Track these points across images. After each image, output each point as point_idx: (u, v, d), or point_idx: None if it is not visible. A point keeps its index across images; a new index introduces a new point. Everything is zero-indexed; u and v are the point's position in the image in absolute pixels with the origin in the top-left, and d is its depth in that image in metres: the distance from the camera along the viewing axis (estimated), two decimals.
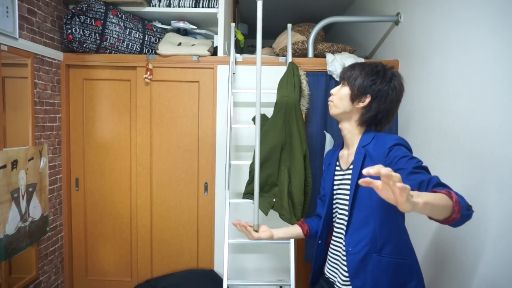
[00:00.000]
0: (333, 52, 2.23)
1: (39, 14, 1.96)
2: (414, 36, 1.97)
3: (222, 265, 2.00)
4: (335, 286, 1.22)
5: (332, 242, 1.28)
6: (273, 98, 2.05)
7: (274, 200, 1.94)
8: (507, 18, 1.28)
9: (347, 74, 1.22)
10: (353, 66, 1.23)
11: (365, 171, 0.73)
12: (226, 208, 2.01)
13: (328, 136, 2.15)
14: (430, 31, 1.79)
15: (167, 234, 2.29)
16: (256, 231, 1.36)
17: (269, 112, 2.06)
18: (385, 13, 2.39)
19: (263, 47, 2.77)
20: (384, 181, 0.74)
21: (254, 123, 2.07)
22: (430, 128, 1.77)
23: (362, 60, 2.12)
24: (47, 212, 2.06)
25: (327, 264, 1.30)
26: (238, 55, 2.20)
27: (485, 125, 1.37)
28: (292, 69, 2.01)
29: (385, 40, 2.38)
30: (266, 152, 1.91)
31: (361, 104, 1.19)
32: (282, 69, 2.11)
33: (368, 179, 0.75)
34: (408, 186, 0.73)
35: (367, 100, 1.18)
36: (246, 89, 2.16)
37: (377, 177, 0.85)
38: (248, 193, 1.98)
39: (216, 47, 2.29)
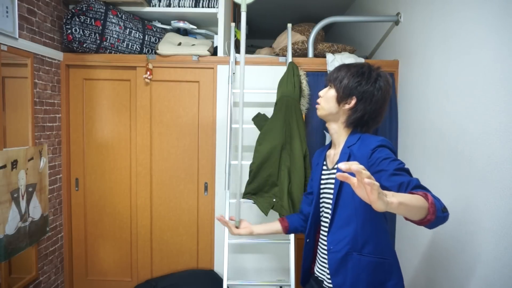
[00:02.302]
0: (333, 52, 2.23)
1: (39, 14, 1.96)
2: (414, 36, 1.97)
3: (222, 265, 2.00)
4: (323, 284, 1.24)
5: (319, 240, 1.29)
6: (273, 98, 2.05)
7: (274, 200, 1.94)
8: (507, 18, 1.27)
9: (333, 76, 1.23)
10: (339, 68, 1.24)
11: (339, 165, 0.75)
12: (226, 208, 2.01)
13: (328, 136, 2.15)
14: (430, 31, 1.79)
15: (167, 234, 2.29)
16: (237, 227, 1.40)
17: (269, 112, 2.06)
18: (385, 13, 2.39)
19: (262, 47, 2.77)
20: (358, 178, 0.75)
21: (254, 123, 2.07)
22: (430, 128, 1.77)
23: (362, 60, 2.12)
24: (47, 212, 2.06)
25: (316, 263, 1.31)
26: (238, 55, 2.20)
27: (485, 125, 1.37)
28: (292, 69, 2.01)
29: (385, 40, 2.38)
30: (266, 152, 1.91)
31: (347, 106, 1.20)
32: (282, 69, 2.11)
33: (344, 173, 0.76)
34: (377, 183, 0.74)
35: (353, 101, 1.19)
36: (246, 89, 2.16)
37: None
38: (248, 193, 1.98)
39: (216, 47, 2.29)
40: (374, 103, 1.18)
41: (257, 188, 1.96)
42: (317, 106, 1.28)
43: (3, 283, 1.70)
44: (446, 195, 1.61)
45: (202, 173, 2.25)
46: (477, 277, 1.39)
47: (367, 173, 0.74)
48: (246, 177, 2.02)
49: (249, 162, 2.02)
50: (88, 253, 2.32)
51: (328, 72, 2.12)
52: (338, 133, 1.25)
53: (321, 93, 1.28)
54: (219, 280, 2.16)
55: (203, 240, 2.29)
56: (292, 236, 1.97)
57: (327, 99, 1.24)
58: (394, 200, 0.80)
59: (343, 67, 1.23)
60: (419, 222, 0.90)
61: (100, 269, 2.33)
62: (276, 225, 1.43)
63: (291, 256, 1.94)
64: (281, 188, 1.92)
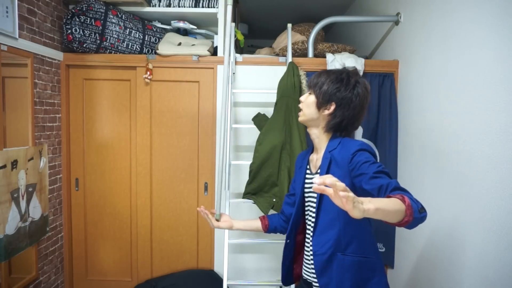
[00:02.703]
0: (333, 52, 2.23)
1: (39, 14, 1.96)
2: (414, 36, 1.97)
3: (222, 265, 2.00)
4: (313, 286, 1.26)
5: (306, 243, 1.32)
6: (273, 98, 2.05)
7: (274, 200, 1.94)
8: (507, 18, 1.27)
9: (314, 82, 1.26)
10: (319, 74, 1.27)
11: (314, 180, 0.78)
12: (226, 208, 2.01)
13: None
14: (430, 31, 1.79)
15: (167, 234, 2.29)
16: (218, 220, 1.42)
17: (269, 112, 2.06)
18: (385, 13, 2.38)
19: (262, 47, 2.77)
20: (334, 190, 0.78)
21: (254, 123, 2.07)
22: (430, 128, 1.77)
23: (362, 60, 2.13)
24: (47, 212, 2.06)
25: (304, 265, 1.33)
26: (238, 55, 2.20)
27: (485, 125, 1.37)
28: (292, 69, 2.01)
29: (385, 40, 2.38)
30: (266, 152, 1.91)
31: (326, 112, 1.23)
32: (282, 69, 2.11)
33: (321, 186, 0.78)
34: (351, 195, 0.78)
35: (332, 107, 1.21)
36: (246, 89, 2.16)
37: None
38: (248, 193, 1.98)
39: (216, 47, 2.29)
40: (352, 109, 1.21)
41: (257, 188, 1.96)
42: (299, 112, 1.31)
43: (3, 283, 1.70)
44: (446, 195, 1.61)
45: (202, 173, 2.25)
46: (478, 277, 1.39)
47: (342, 184, 0.77)
48: (245, 177, 2.02)
49: (249, 162, 2.02)
50: (88, 253, 2.32)
51: None
52: (319, 138, 1.28)
53: (301, 98, 1.31)
54: (219, 280, 2.16)
55: (203, 240, 2.29)
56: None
57: (308, 104, 1.27)
58: (371, 206, 0.83)
59: (323, 73, 1.27)
60: (397, 224, 0.93)
61: (100, 269, 2.33)
62: (256, 223, 1.46)
63: None
64: (281, 188, 1.92)
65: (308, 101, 1.27)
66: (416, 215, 0.92)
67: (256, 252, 2.26)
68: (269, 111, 2.07)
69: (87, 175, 2.27)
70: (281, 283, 2.02)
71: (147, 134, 2.24)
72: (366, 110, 1.26)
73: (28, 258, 1.94)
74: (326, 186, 0.78)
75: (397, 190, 0.99)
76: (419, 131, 1.88)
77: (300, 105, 1.31)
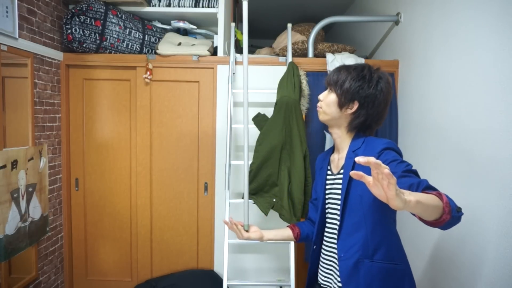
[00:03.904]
0: (333, 52, 2.23)
1: (39, 14, 1.96)
2: (414, 36, 1.97)
3: (222, 265, 2.00)
4: None
5: (323, 247, 1.26)
6: (273, 98, 2.05)
7: (274, 200, 1.94)
8: (507, 18, 1.27)
9: (334, 79, 1.19)
10: (339, 70, 1.20)
11: (356, 159, 0.73)
12: (226, 208, 2.01)
13: (328, 136, 2.15)
14: (430, 31, 1.79)
15: (167, 234, 2.29)
16: (247, 231, 1.36)
17: (269, 112, 2.06)
18: (385, 13, 2.38)
19: (262, 47, 2.77)
20: (374, 174, 0.74)
21: (254, 123, 2.07)
22: (430, 128, 1.77)
23: (362, 60, 2.13)
24: (47, 212, 2.06)
25: (320, 270, 1.27)
26: (238, 55, 2.20)
27: (485, 125, 1.37)
28: (292, 69, 2.01)
29: (385, 40, 2.38)
30: (266, 152, 1.91)
31: (349, 111, 1.17)
32: (282, 69, 2.11)
33: (359, 172, 0.75)
34: (394, 178, 0.73)
35: (355, 106, 1.16)
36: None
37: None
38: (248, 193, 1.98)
39: (216, 47, 2.29)
40: (377, 106, 1.15)
41: (257, 188, 1.96)
42: (318, 109, 1.25)
43: (3, 283, 1.70)
44: None
45: (202, 173, 2.25)
46: (478, 277, 1.39)
47: (386, 166, 0.72)
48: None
49: (249, 162, 2.02)
50: (88, 253, 2.32)
51: (328, 72, 2.12)
52: (341, 138, 1.22)
53: (321, 96, 1.25)
54: (219, 280, 2.16)
55: (203, 240, 2.29)
56: None
57: (328, 103, 1.20)
58: (412, 198, 0.78)
59: (342, 69, 1.20)
60: (434, 223, 0.89)
61: (100, 269, 2.33)
62: (287, 232, 1.38)
63: (291, 256, 1.94)
64: (281, 188, 1.92)
65: (328, 100, 1.21)
66: (454, 213, 0.88)
67: (256, 252, 2.26)
68: (269, 111, 2.07)
69: (87, 175, 2.27)
70: (281, 283, 2.03)
71: (147, 134, 2.24)
72: (389, 105, 1.21)
73: (28, 258, 1.93)
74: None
75: (429, 189, 0.95)
76: (420, 131, 1.88)
77: (319, 104, 1.24)
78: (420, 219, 0.90)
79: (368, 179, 0.75)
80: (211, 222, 2.26)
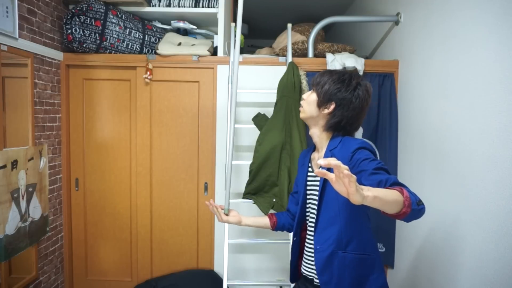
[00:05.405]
0: (333, 52, 2.23)
1: (39, 14, 1.96)
2: (414, 36, 1.97)
3: (222, 265, 2.00)
4: (314, 282, 1.28)
5: (306, 240, 1.34)
6: (273, 98, 2.05)
7: (274, 200, 1.94)
8: (507, 18, 1.27)
9: (317, 81, 1.29)
10: (322, 73, 1.30)
11: (318, 161, 0.80)
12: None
13: None
14: (430, 31, 1.79)
15: (167, 234, 2.29)
16: (227, 214, 1.44)
17: (269, 112, 2.06)
18: (385, 13, 2.39)
19: (262, 47, 2.77)
20: (336, 173, 0.81)
21: (254, 123, 2.07)
22: (430, 128, 1.77)
23: (362, 60, 2.13)
24: (47, 212, 2.06)
25: (303, 262, 1.35)
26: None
27: (485, 125, 1.37)
28: (292, 69, 2.01)
29: (385, 40, 2.38)
30: (266, 152, 1.91)
31: (326, 111, 1.25)
32: (282, 69, 2.11)
33: (323, 170, 0.81)
34: (354, 176, 0.80)
35: (332, 107, 1.24)
36: (246, 89, 2.16)
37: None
38: (248, 193, 1.98)
39: (216, 47, 2.29)
40: (352, 110, 1.23)
41: (257, 188, 1.96)
42: (300, 108, 1.34)
43: (3, 283, 1.70)
44: (446, 195, 1.61)
45: (202, 173, 2.25)
46: (477, 277, 1.39)
47: (346, 167, 0.79)
48: (245, 177, 2.02)
49: (249, 162, 2.02)
50: (88, 253, 2.32)
51: None
52: (320, 137, 1.30)
53: (304, 96, 1.33)
54: (219, 280, 2.16)
55: (203, 240, 2.29)
56: (291, 236, 1.97)
57: (309, 102, 1.29)
58: (370, 193, 0.85)
59: (326, 72, 1.29)
60: (395, 216, 0.95)
61: (100, 269, 2.33)
62: (265, 220, 1.47)
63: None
64: (281, 188, 1.92)
65: (309, 99, 1.29)
66: (414, 206, 0.94)
67: (256, 252, 2.26)
68: (269, 111, 2.07)
69: (87, 175, 2.27)
70: (281, 283, 2.03)
71: (147, 134, 2.24)
72: (365, 112, 1.29)
73: (28, 258, 1.94)
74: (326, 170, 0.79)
75: (395, 184, 1.01)
76: (419, 131, 1.88)
77: (302, 102, 1.33)
78: (384, 213, 0.96)
79: (330, 176, 0.81)
80: (211, 222, 2.26)
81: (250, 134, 2.18)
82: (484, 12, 1.40)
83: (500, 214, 1.28)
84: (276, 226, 1.47)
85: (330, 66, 2.10)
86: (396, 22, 2.18)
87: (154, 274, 2.31)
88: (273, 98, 2.06)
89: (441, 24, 1.70)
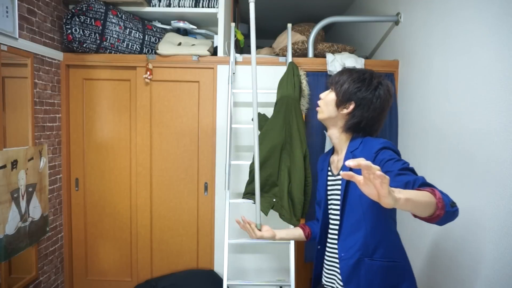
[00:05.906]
0: (333, 52, 2.23)
1: (39, 14, 1.96)
2: (414, 36, 1.97)
3: (222, 265, 2.00)
4: None
5: (327, 248, 1.27)
6: (273, 98, 2.05)
7: (274, 200, 1.94)
8: (507, 18, 1.27)
9: (335, 80, 1.23)
10: (341, 72, 1.24)
11: (347, 162, 0.74)
12: (226, 208, 2.01)
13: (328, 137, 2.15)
14: (430, 31, 1.79)
15: (167, 234, 2.29)
16: (259, 229, 1.36)
17: (269, 112, 2.06)
18: (385, 13, 2.39)
19: (262, 47, 2.77)
20: (365, 175, 0.75)
21: None
22: (430, 128, 1.77)
23: (362, 60, 2.13)
24: (47, 212, 2.06)
25: (324, 271, 1.29)
26: (238, 55, 2.20)
27: (485, 125, 1.37)
28: (292, 69, 2.01)
29: (385, 40, 2.38)
30: (266, 152, 1.91)
31: (345, 111, 1.19)
32: (282, 69, 2.11)
33: (349, 172, 0.76)
34: (387, 177, 0.74)
35: (351, 107, 1.18)
36: (246, 89, 2.16)
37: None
38: (248, 193, 1.98)
39: (216, 47, 2.29)
40: (372, 111, 1.17)
41: None
42: (317, 108, 1.28)
43: (3, 283, 1.70)
44: None
45: (202, 173, 2.25)
46: (478, 277, 1.39)
47: (377, 167, 0.74)
48: (245, 177, 2.02)
49: (249, 162, 2.02)
50: (88, 253, 2.32)
51: (328, 72, 2.12)
52: (339, 139, 1.24)
53: (322, 95, 1.27)
54: (219, 280, 2.16)
55: (203, 240, 2.29)
56: None
57: (326, 102, 1.23)
58: (401, 196, 0.80)
59: (345, 71, 1.23)
60: (429, 219, 0.89)
61: (100, 269, 2.33)
62: (298, 231, 1.41)
63: (291, 256, 1.94)
64: (281, 188, 1.92)
65: (327, 98, 1.23)
66: (448, 208, 0.88)
67: (256, 252, 2.26)
68: (269, 111, 2.07)
69: (87, 175, 2.27)
70: (281, 283, 2.03)
71: (147, 134, 2.24)
72: (386, 114, 1.23)
73: (28, 258, 1.93)
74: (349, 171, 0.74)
75: (424, 185, 0.96)
76: (419, 131, 1.88)
77: (319, 102, 1.27)
78: (416, 216, 0.90)
79: (358, 179, 0.77)
80: (211, 222, 2.26)
81: (250, 134, 2.18)
82: (484, 12, 1.39)
83: (500, 214, 1.28)
84: (311, 236, 1.39)
85: (330, 66, 2.10)
86: (396, 22, 2.18)
87: (154, 274, 2.31)
88: (273, 98, 2.06)
89: (441, 24, 1.70)
